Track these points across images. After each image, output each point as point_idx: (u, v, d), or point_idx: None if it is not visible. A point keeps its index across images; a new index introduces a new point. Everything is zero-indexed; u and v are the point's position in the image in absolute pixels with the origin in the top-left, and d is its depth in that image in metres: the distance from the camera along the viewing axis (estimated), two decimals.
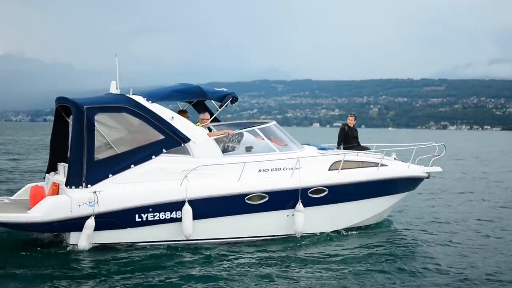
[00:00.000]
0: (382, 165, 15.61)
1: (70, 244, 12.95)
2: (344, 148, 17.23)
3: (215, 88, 15.92)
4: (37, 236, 14.01)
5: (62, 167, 14.23)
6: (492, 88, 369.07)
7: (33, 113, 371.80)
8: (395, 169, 15.96)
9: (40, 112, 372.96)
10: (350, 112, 19.55)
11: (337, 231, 15.27)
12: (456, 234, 15.90)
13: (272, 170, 14.52)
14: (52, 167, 14.95)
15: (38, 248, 12.99)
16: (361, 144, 17.79)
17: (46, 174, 15.05)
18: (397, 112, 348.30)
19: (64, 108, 14.67)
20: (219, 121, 16.26)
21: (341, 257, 13.08)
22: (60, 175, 14.31)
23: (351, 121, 17.92)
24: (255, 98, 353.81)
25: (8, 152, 47.36)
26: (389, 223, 17.00)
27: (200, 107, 16.30)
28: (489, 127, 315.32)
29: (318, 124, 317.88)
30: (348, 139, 17.62)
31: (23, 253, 12.71)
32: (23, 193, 14.91)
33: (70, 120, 14.59)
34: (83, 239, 12.70)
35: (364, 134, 18.70)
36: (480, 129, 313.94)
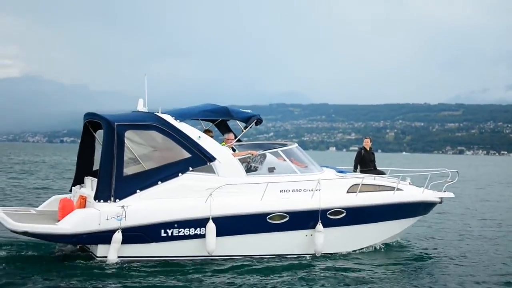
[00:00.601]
0: (398, 189, 15.96)
1: (97, 257, 13.28)
2: (361, 171, 17.52)
3: (240, 109, 16.31)
4: (62, 247, 14.44)
5: (90, 181, 14.63)
6: (509, 113, 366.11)
7: (50, 134, 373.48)
8: (410, 193, 16.32)
9: (57, 133, 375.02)
10: (365, 136, 19.89)
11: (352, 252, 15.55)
12: (463, 254, 16.29)
13: (293, 191, 14.85)
14: (78, 181, 15.36)
15: (65, 262, 13.36)
16: (378, 168, 18.06)
17: (73, 187, 15.44)
18: (414, 136, 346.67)
19: (92, 123, 15.14)
20: (241, 141, 16.64)
21: (356, 275, 13.43)
22: (87, 188, 14.71)
23: (367, 143, 18.26)
24: (271, 122, 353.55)
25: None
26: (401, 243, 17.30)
27: (223, 127, 16.71)
28: (506, 152, 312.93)
29: (334, 148, 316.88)
30: (365, 162, 17.94)
31: (51, 264, 13.11)
32: (48, 204, 15.36)
33: (97, 135, 15.11)
34: (112, 253, 13.03)
35: (378, 159, 19.03)
36: (496, 154, 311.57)
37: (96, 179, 14.15)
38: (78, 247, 14.47)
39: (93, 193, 13.76)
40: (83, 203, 13.92)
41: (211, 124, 16.82)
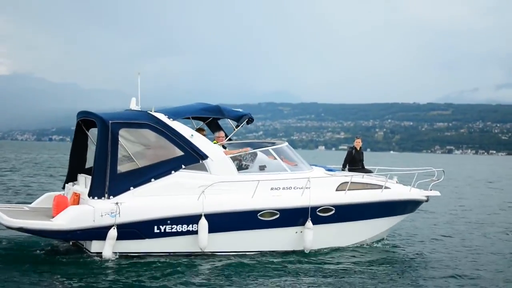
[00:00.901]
0: (385, 187, 16.28)
1: (91, 252, 13.53)
2: (349, 170, 17.84)
3: (232, 108, 16.57)
4: (56, 244, 14.71)
5: (83, 178, 14.88)
6: (498, 113, 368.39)
7: (39, 132, 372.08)
8: (398, 191, 16.67)
9: (46, 132, 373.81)
10: (356, 135, 20.29)
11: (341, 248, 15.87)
12: (445, 249, 16.78)
13: (283, 188, 15.17)
14: (71, 178, 15.60)
15: (58, 256, 13.67)
16: (365, 167, 18.41)
17: (66, 184, 15.67)
18: (403, 136, 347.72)
19: (85, 122, 15.36)
20: (231, 140, 16.88)
21: (343, 271, 13.76)
22: (80, 185, 14.97)
23: (358, 144, 18.62)
24: (261, 121, 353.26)
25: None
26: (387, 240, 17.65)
27: (214, 125, 17.01)
28: (494, 151, 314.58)
29: (323, 147, 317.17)
30: (355, 162, 18.30)
31: (45, 260, 13.39)
32: (41, 201, 15.60)
33: (90, 133, 15.35)
34: (107, 249, 13.27)
35: (366, 158, 19.42)
36: (485, 153, 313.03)
37: (89, 177, 14.41)
38: (71, 243, 14.70)
39: (86, 190, 14.01)
40: (76, 200, 14.17)
41: (202, 122, 17.06)
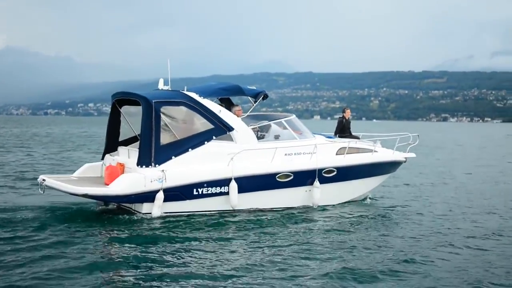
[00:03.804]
0: (375, 151, 19.33)
1: (142, 213, 15.85)
2: (340, 137, 20.41)
3: (248, 87, 19.05)
4: (103, 208, 16.91)
5: (126, 150, 17.22)
6: (493, 80, 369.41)
7: (34, 107, 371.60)
8: (384, 154, 19.78)
9: (41, 105, 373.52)
10: (347, 106, 23.47)
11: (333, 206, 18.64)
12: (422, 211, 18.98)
13: (295, 154, 17.83)
14: (109, 150, 17.74)
15: (111, 216, 15.92)
16: (352, 134, 21.05)
17: (107, 155, 17.74)
18: (398, 104, 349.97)
19: (119, 101, 17.63)
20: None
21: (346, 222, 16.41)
22: (122, 156, 17.21)
23: (348, 114, 21.17)
24: None
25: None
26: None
27: (226, 101, 19.03)
28: (489, 119, 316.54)
29: (318, 117, 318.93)
30: (344, 130, 20.88)
31: (103, 219, 15.59)
32: (84, 171, 17.74)
33: (122, 110, 17.74)
34: (156, 209, 15.66)
35: (354, 126, 22.30)
36: (480, 121, 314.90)
37: (131, 148, 16.93)
38: (116, 206, 16.94)
39: (130, 160, 16.43)
40: (121, 169, 16.47)
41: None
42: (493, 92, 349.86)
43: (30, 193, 19.62)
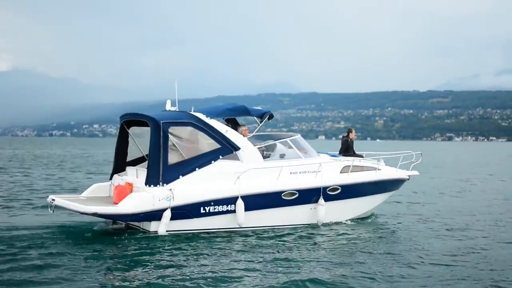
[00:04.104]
0: (378, 169, 19.75)
1: (149, 231, 16.09)
2: (344, 155, 20.83)
3: (254, 107, 19.38)
4: (111, 226, 17.12)
5: (135, 171, 17.53)
6: (498, 99, 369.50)
7: (39, 128, 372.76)
8: (388, 172, 20.21)
9: (47, 127, 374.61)
10: (352, 127, 24.02)
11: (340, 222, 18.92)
12: (424, 224, 19.54)
13: (300, 172, 18.16)
14: (117, 170, 18.13)
15: (119, 236, 16.03)
16: (356, 152, 21.37)
17: (115, 175, 18.07)
18: (403, 124, 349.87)
19: (127, 122, 18.04)
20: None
21: (350, 240, 16.57)
22: (130, 176, 17.55)
23: (353, 134, 21.64)
24: None
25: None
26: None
27: (232, 121, 19.37)
28: (494, 138, 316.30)
29: (323, 137, 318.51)
30: (348, 149, 21.28)
31: (111, 239, 15.75)
32: (92, 191, 18.08)
33: (130, 131, 18.13)
34: (162, 227, 15.93)
35: (358, 146, 22.74)
36: (485, 140, 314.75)
37: (139, 168, 17.24)
38: (123, 224, 17.13)
39: (138, 180, 16.74)
40: (130, 189, 16.72)
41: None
42: (498, 111, 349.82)
43: (21, 213, 20.04)
